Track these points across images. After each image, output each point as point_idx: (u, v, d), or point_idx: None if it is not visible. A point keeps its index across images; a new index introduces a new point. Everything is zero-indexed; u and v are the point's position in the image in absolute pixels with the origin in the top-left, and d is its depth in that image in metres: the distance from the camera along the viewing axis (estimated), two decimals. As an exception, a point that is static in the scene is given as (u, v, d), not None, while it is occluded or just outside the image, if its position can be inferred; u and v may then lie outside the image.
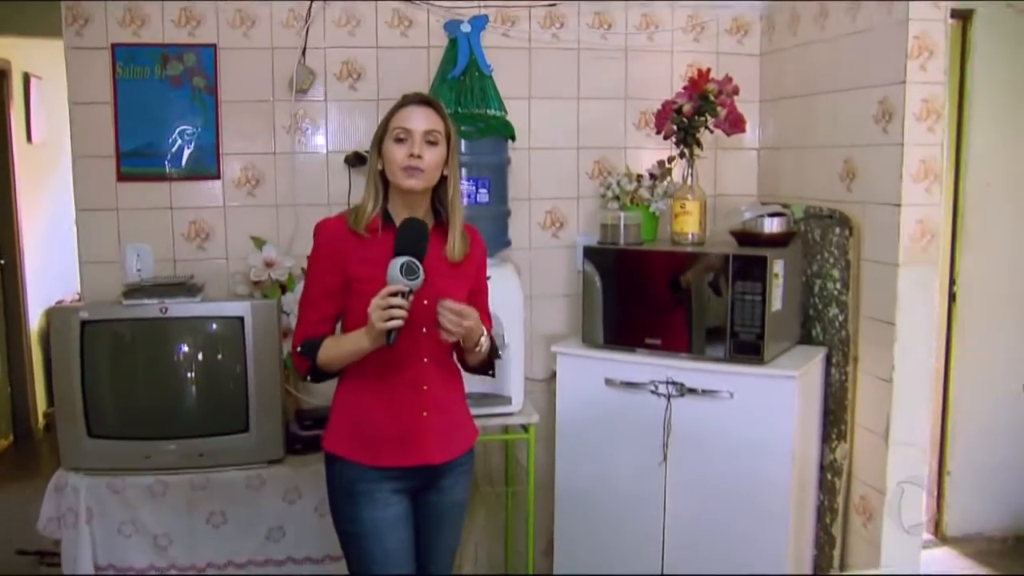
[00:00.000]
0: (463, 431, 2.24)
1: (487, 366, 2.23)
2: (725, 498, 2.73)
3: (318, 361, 2.08)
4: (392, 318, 1.90)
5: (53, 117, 5.27)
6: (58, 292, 5.24)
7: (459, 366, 2.24)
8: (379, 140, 2.09)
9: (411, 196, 2.07)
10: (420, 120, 2.05)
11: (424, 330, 2.07)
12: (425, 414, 2.11)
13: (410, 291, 1.91)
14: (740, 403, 2.70)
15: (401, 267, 1.89)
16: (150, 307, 2.65)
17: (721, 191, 3.40)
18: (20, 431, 5.28)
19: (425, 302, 2.02)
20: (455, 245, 2.11)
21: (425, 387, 2.11)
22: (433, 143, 2.05)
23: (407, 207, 2.09)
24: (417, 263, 1.91)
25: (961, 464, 3.85)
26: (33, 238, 5.38)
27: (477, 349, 2.12)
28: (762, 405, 2.68)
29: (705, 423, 2.74)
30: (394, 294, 1.90)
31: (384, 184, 2.10)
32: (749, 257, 2.71)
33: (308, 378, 2.14)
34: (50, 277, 5.42)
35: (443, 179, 2.11)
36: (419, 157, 2.02)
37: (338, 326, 2.17)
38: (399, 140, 2.04)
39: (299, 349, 2.10)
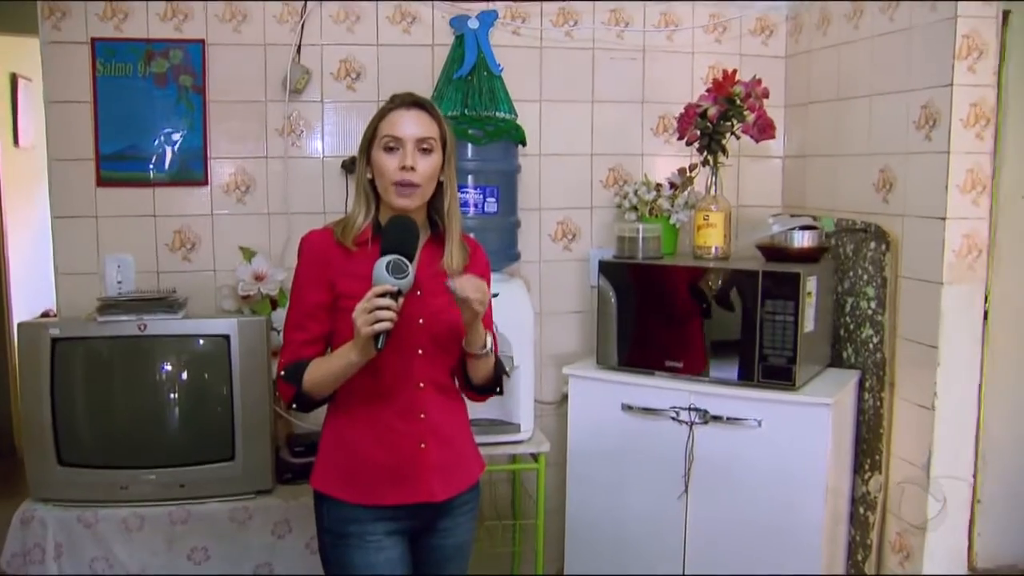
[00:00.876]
0: (467, 464, 2.04)
1: (494, 382, 2.02)
2: (752, 534, 2.56)
3: (304, 386, 1.88)
4: (379, 320, 1.72)
5: (42, 120, 5.06)
6: (46, 303, 5.03)
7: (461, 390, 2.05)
8: (367, 147, 1.91)
9: (401, 209, 1.90)
10: (412, 126, 1.87)
11: (420, 351, 1.90)
12: (423, 445, 1.91)
13: (399, 292, 1.74)
14: (769, 432, 2.53)
15: (388, 265, 1.73)
16: (127, 324, 2.50)
17: (743, 202, 3.21)
18: (4, 447, 5.06)
19: (420, 321, 1.87)
20: (452, 256, 1.93)
21: (422, 415, 1.92)
22: (427, 151, 1.87)
23: (401, 212, 1.91)
24: (405, 261, 1.75)
25: (992, 493, 3.63)
26: (19, 246, 5.18)
27: (484, 351, 1.91)
28: (793, 434, 2.51)
29: (730, 453, 2.57)
30: (382, 295, 1.72)
31: (375, 193, 1.92)
32: (781, 274, 2.54)
33: (294, 406, 1.93)
34: (36, 288, 5.21)
35: (439, 186, 1.93)
36: (412, 169, 1.84)
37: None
38: (389, 149, 1.86)
39: (283, 374, 1.91)
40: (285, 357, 1.92)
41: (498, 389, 2.04)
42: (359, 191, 1.93)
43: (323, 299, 1.89)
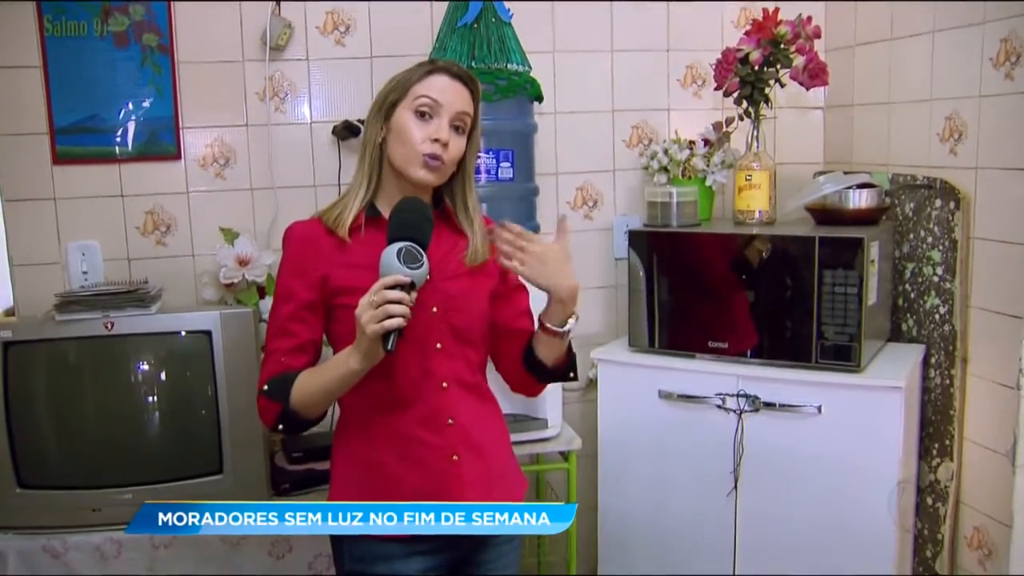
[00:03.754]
0: (509, 479, 1.76)
1: (568, 365, 1.72)
2: (812, 535, 2.34)
3: (292, 403, 1.59)
4: (390, 316, 1.43)
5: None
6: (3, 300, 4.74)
7: (529, 376, 1.73)
8: (390, 106, 1.64)
9: (411, 187, 1.65)
10: (454, 95, 1.64)
11: (438, 346, 1.63)
12: (455, 457, 1.64)
13: (412, 284, 1.48)
14: (830, 419, 2.30)
15: (399, 252, 1.49)
16: (91, 322, 2.23)
17: (780, 159, 2.93)
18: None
19: (434, 310, 1.63)
20: (478, 252, 1.68)
21: (450, 420, 1.64)
22: (459, 129, 1.65)
23: (419, 185, 1.66)
24: (419, 248, 1.51)
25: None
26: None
27: (564, 328, 1.63)
28: (859, 421, 2.28)
29: (786, 444, 2.35)
30: (391, 287, 1.45)
31: (381, 163, 1.66)
32: (841, 240, 2.28)
33: (280, 427, 1.63)
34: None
35: (455, 171, 1.71)
36: (444, 145, 1.62)
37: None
38: (422, 115, 1.62)
39: (265, 389, 1.61)
40: (268, 370, 1.64)
41: (572, 374, 1.74)
42: (365, 159, 1.67)
43: (313, 298, 1.63)
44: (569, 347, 1.70)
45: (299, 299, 1.63)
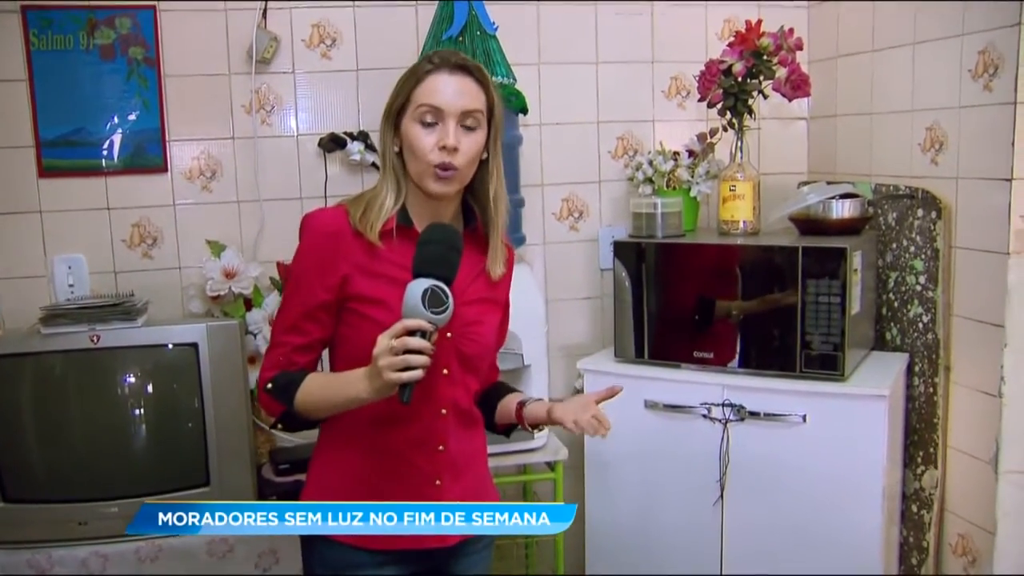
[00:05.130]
0: (482, 497, 1.73)
1: (511, 428, 1.78)
2: (798, 543, 2.34)
3: (296, 405, 1.56)
4: (409, 367, 1.39)
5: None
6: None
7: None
8: (396, 114, 1.57)
9: (434, 197, 1.58)
10: (456, 94, 1.53)
11: (445, 372, 1.58)
12: (438, 483, 1.61)
13: (435, 328, 1.41)
14: (815, 428, 2.30)
15: (424, 294, 1.40)
16: (77, 336, 2.20)
17: (764, 169, 2.91)
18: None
19: (449, 335, 1.56)
20: (496, 259, 1.63)
21: (441, 447, 1.61)
22: (472, 128, 1.54)
23: (431, 207, 1.59)
24: (446, 290, 1.42)
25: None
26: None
27: (537, 430, 1.74)
28: (844, 430, 2.28)
29: (772, 452, 2.35)
30: (412, 332, 1.39)
31: (404, 171, 1.59)
32: (824, 249, 2.29)
33: (279, 426, 1.62)
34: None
35: (480, 166, 1.60)
36: (455, 150, 1.51)
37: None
38: (426, 124, 1.52)
39: (270, 387, 1.58)
40: (272, 362, 1.60)
41: (510, 435, 1.80)
42: (386, 169, 1.58)
43: (330, 299, 1.56)
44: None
45: (315, 298, 1.57)
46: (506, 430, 1.77)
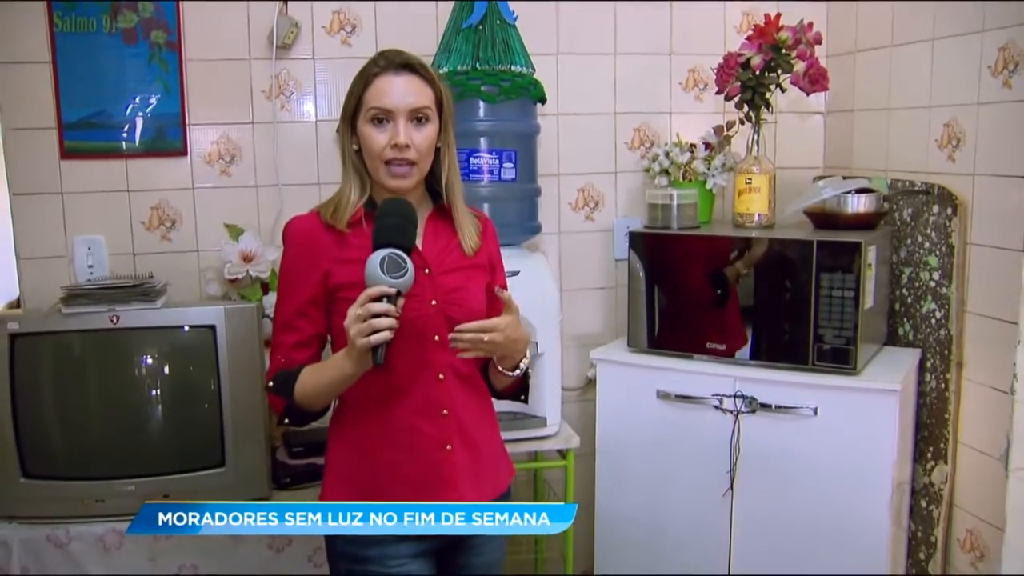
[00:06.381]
0: (498, 467, 1.81)
1: (519, 389, 1.80)
2: (806, 536, 2.34)
3: (295, 397, 1.64)
4: (376, 331, 1.46)
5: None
6: (9, 293, 4.73)
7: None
8: (350, 116, 1.67)
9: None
10: (404, 94, 1.63)
11: (436, 338, 1.65)
12: (449, 448, 1.68)
13: (397, 293, 1.51)
14: (826, 421, 2.30)
15: (382, 262, 1.50)
16: (97, 316, 2.22)
17: (780, 163, 2.93)
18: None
19: (433, 302, 1.66)
20: (465, 231, 1.71)
21: (445, 411, 1.68)
22: (422, 120, 1.65)
23: (395, 194, 1.67)
24: (403, 256, 1.52)
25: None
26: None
27: (516, 372, 1.70)
28: (855, 424, 2.28)
29: (782, 445, 2.35)
30: (377, 299, 1.47)
31: (365, 167, 1.68)
32: (838, 244, 2.29)
33: (286, 420, 1.71)
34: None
35: (436, 153, 1.70)
36: (406, 147, 1.62)
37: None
38: (377, 122, 1.63)
39: (271, 384, 1.67)
40: (274, 363, 1.69)
41: (523, 397, 1.82)
42: (347, 166, 1.69)
43: (316, 293, 1.66)
44: (523, 376, 1.74)
45: (303, 295, 1.66)
46: (513, 393, 1.80)
